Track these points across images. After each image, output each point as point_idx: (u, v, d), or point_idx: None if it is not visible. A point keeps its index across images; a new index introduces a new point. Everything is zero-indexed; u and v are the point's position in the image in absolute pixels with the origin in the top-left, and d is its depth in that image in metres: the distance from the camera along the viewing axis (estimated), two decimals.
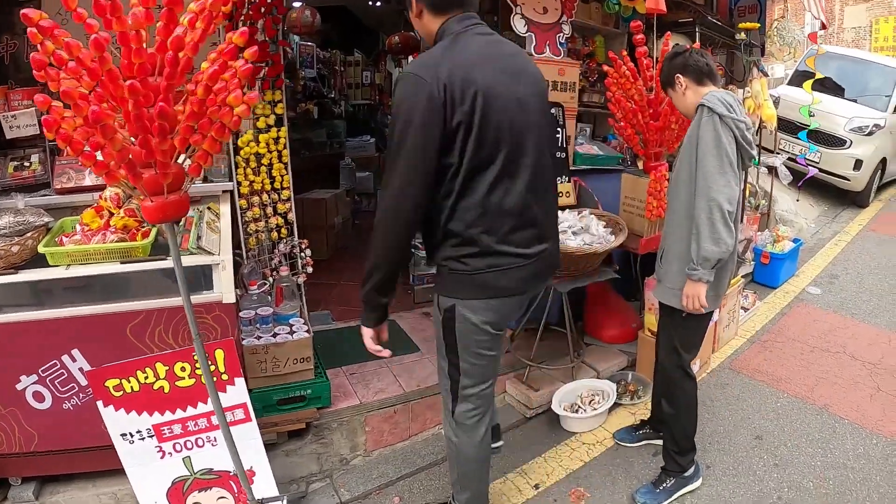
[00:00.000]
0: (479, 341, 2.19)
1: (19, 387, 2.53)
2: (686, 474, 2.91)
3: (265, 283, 3.48)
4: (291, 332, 3.27)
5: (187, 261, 2.44)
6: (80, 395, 2.59)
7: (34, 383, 2.54)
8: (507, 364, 3.86)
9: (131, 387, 2.29)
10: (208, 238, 2.70)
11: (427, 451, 3.37)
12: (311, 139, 7.42)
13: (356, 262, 5.44)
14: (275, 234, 3.79)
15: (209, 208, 3.03)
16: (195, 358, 2.22)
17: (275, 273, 3.61)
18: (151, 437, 2.40)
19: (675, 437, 2.88)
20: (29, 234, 2.52)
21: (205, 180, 3.17)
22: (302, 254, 3.84)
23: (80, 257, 2.49)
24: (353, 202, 7.19)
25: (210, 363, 2.29)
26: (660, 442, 3.07)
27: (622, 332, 4.17)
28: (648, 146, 3.61)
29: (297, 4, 6.45)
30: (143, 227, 2.65)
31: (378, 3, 7.51)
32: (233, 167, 3.48)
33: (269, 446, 2.93)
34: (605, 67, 3.67)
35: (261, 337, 3.19)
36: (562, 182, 3.71)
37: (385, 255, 2.03)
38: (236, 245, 3.44)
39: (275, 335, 3.22)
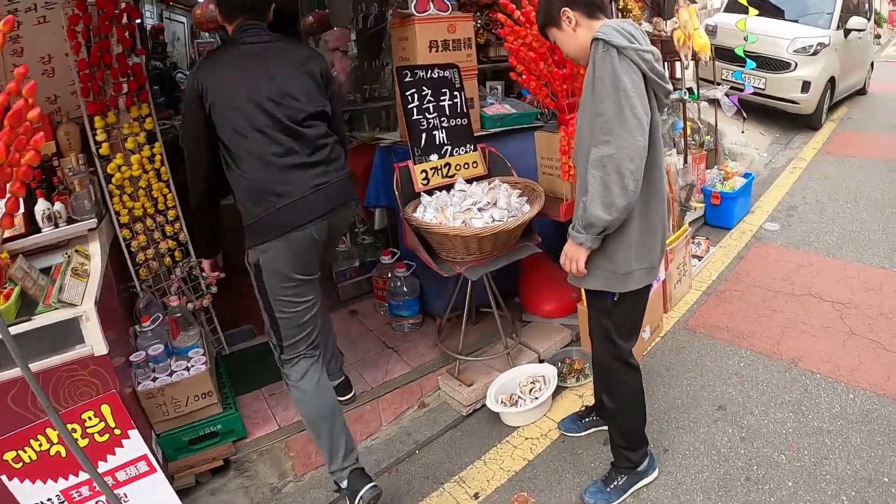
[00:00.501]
0: (283, 289, 2.49)
1: None
2: (639, 469, 2.57)
3: (159, 317, 3.16)
4: (189, 368, 2.99)
5: (49, 318, 2.35)
6: None
7: None
8: (438, 358, 3.63)
9: (29, 456, 2.29)
10: (72, 288, 2.46)
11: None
12: None
13: None
14: (168, 260, 3.42)
15: (77, 251, 2.73)
16: (84, 417, 2.32)
17: (179, 299, 3.34)
18: (63, 502, 2.38)
19: (623, 433, 2.53)
20: None
21: (69, 221, 2.78)
22: (203, 273, 3.49)
23: None
24: None
25: (99, 420, 2.37)
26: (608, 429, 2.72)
27: (562, 305, 3.81)
28: (559, 98, 3.23)
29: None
30: (5, 287, 2.41)
31: None
32: (106, 197, 3.19)
33: (192, 488, 2.91)
34: (498, 15, 3.29)
35: (157, 377, 2.94)
36: (466, 151, 3.32)
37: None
38: (129, 279, 3.31)
39: (171, 373, 2.96)
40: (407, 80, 3.18)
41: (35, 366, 2.33)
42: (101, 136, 3.17)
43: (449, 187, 3.22)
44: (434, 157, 3.23)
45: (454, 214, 2.86)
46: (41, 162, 2.99)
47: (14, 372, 2.32)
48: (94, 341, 2.42)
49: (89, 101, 3.13)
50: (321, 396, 2.59)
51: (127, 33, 3.21)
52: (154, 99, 5.56)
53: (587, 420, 2.98)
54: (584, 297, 2.58)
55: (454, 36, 3.53)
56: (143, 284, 3.37)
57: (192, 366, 3.00)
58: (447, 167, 3.27)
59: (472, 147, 3.34)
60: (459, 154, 3.30)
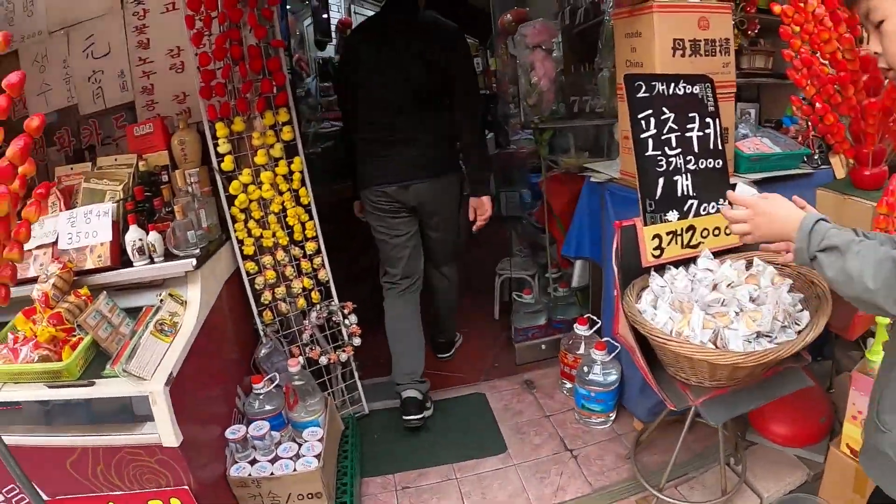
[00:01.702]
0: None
1: None
2: None
3: (275, 378, 2.55)
4: (297, 456, 2.41)
5: (109, 389, 1.97)
6: None
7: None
8: (629, 480, 2.62)
9: None
10: (148, 351, 2.01)
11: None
12: None
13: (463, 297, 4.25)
14: (302, 302, 2.71)
15: (171, 296, 2.25)
16: None
17: (309, 349, 2.85)
18: None
19: None
20: None
21: (167, 256, 2.29)
22: (346, 321, 2.96)
23: (8, 377, 2.04)
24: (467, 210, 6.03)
25: None
26: None
27: (802, 431, 2.55)
28: (864, 140, 2.05)
29: None
30: (74, 335, 2.07)
31: None
32: (227, 221, 2.65)
33: None
34: (776, 7, 2.17)
35: (256, 461, 2.40)
36: (717, 208, 2.20)
37: None
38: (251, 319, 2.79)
39: (275, 459, 2.40)
40: (640, 95, 2.12)
41: (98, 440, 2.01)
42: (223, 148, 2.53)
43: (688, 261, 2.16)
44: (673, 214, 2.15)
45: (702, 321, 1.78)
46: (143, 177, 2.41)
47: (70, 439, 2.03)
48: (163, 429, 1.95)
49: (210, 104, 2.46)
50: (389, 318, 3.15)
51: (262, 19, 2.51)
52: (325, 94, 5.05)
53: None
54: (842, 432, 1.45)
55: (707, 34, 2.41)
56: (266, 329, 2.79)
57: (303, 455, 2.41)
58: (690, 232, 2.18)
59: (725, 202, 2.21)
60: (709, 212, 2.20)
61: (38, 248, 2.35)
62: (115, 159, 2.64)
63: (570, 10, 3.45)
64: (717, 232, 2.20)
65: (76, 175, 2.67)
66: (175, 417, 1.94)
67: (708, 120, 2.22)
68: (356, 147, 3.02)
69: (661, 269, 2.16)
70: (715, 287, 1.94)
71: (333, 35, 6.04)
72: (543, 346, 3.50)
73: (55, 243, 2.33)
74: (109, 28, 2.88)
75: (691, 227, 2.17)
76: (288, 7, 4.49)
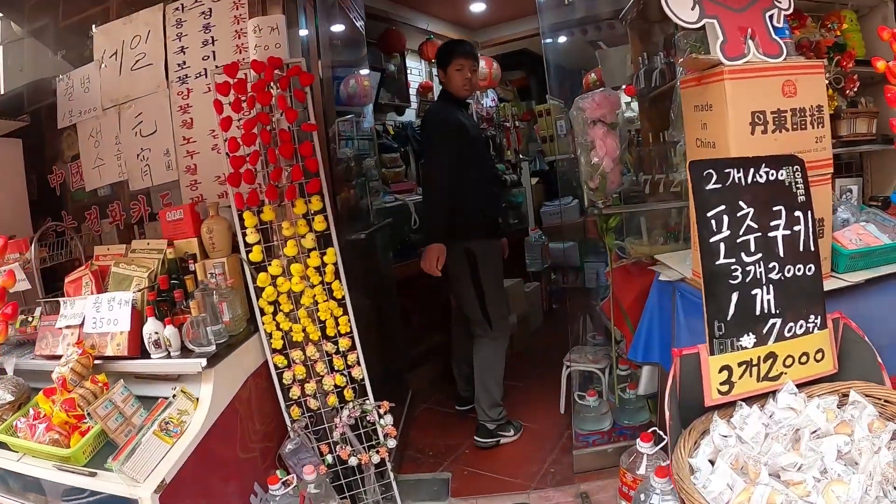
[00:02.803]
0: None
1: None
2: None
3: (292, 481, 2.30)
4: None
5: (103, 484, 1.96)
6: None
7: None
8: None
9: None
10: (147, 451, 1.97)
11: None
12: None
13: (529, 381, 4.07)
14: (333, 398, 2.47)
15: (183, 392, 2.20)
16: None
17: (339, 447, 2.62)
18: None
19: None
20: None
21: (183, 351, 2.23)
22: (381, 420, 2.70)
23: (25, 450, 2.12)
24: (548, 283, 5.79)
25: None
26: None
27: None
28: None
29: None
30: (85, 423, 2.09)
31: (563, 39, 5.97)
32: (256, 313, 2.49)
33: None
34: (880, 63, 1.79)
35: None
36: (807, 329, 1.77)
37: None
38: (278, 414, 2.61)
39: None
40: (711, 187, 1.76)
41: None
42: (251, 237, 2.36)
43: (765, 396, 1.75)
44: (749, 339, 1.72)
45: (768, 497, 1.37)
46: (170, 265, 2.30)
47: None
48: None
49: (238, 192, 2.31)
50: None
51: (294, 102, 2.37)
52: (391, 166, 4.93)
53: None
54: None
55: (794, 103, 1.98)
56: (294, 425, 2.61)
57: None
58: (770, 360, 1.73)
59: (818, 320, 1.78)
60: (795, 334, 1.75)
61: (67, 327, 2.37)
62: (148, 244, 2.59)
63: (646, 72, 3.08)
64: (804, 359, 1.76)
65: (112, 255, 2.65)
66: None
67: (797, 213, 1.81)
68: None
69: (731, 404, 1.76)
70: (797, 436, 1.54)
71: (413, 99, 5.97)
72: (607, 451, 3.08)
73: (82, 325, 2.34)
74: (156, 107, 2.89)
75: (771, 355, 1.74)
76: (365, 72, 4.41)
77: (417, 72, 6.18)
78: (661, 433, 2.57)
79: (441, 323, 4.36)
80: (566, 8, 3.63)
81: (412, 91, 5.96)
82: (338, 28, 3.69)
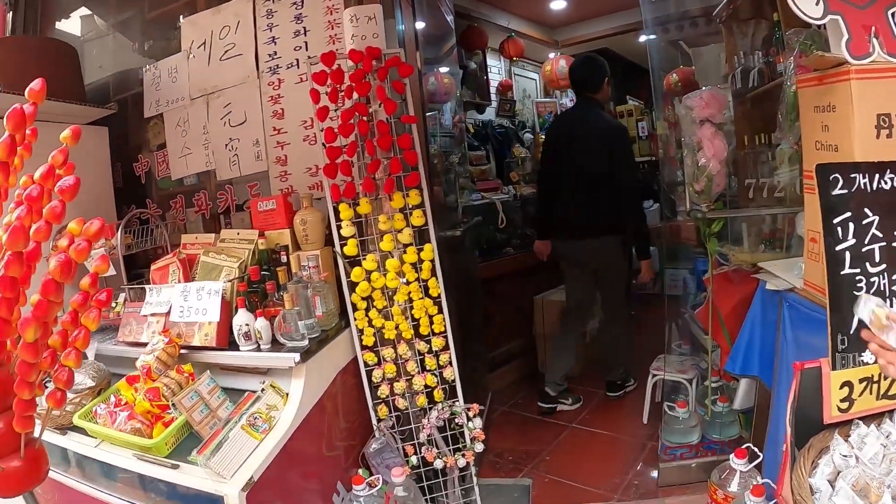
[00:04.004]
0: None
1: None
2: None
3: (377, 482, 2.24)
4: None
5: (186, 478, 1.89)
6: None
7: None
8: None
9: None
10: (235, 445, 1.92)
11: None
12: None
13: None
14: (423, 399, 2.41)
15: (273, 387, 2.15)
16: None
17: (425, 449, 2.55)
18: None
19: None
20: (77, 397, 2.20)
21: (273, 344, 2.19)
22: (469, 423, 2.60)
23: (104, 437, 2.09)
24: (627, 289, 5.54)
25: None
26: None
27: None
28: None
29: (551, 55, 6.11)
30: (169, 413, 2.06)
31: (645, 38, 5.84)
32: (348, 308, 2.44)
33: None
34: None
35: None
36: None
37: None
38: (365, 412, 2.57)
39: None
40: (837, 193, 1.63)
41: None
42: (347, 231, 2.31)
43: (880, 416, 1.63)
44: (870, 353, 1.61)
45: None
46: (262, 256, 2.26)
47: None
48: None
49: (334, 184, 2.26)
50: None
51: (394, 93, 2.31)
52: (476, 163, 4.86)
53: None
54: None
55: None
56: (380, 424, 2.57)
57: None
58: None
59: None
60: None
61: (153, 314, 2.37)
62: (238, 233, 2.56)
63: (742, 72, 2.92)
64: None
65: (201, 244, 2.63)
66: None
67: None
68: None
69: (846, 423, 1.64)
70: None
71: (493, 98, 5.90)
72: (693, 466, 2.94)
73: (168, 313, 2.33)
74: (246, 97, 2.87)
75: None
76: (447, 69, 4.35)
77: (497, 70, 6.11)
78: (756, 450, 2.45)
79: (522, 325, 4.36)
80: (650, 6, 3.48)
81: (492, 89, 5.88)
82: (432, 21, 3.63)
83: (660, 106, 3.84)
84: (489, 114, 5.89)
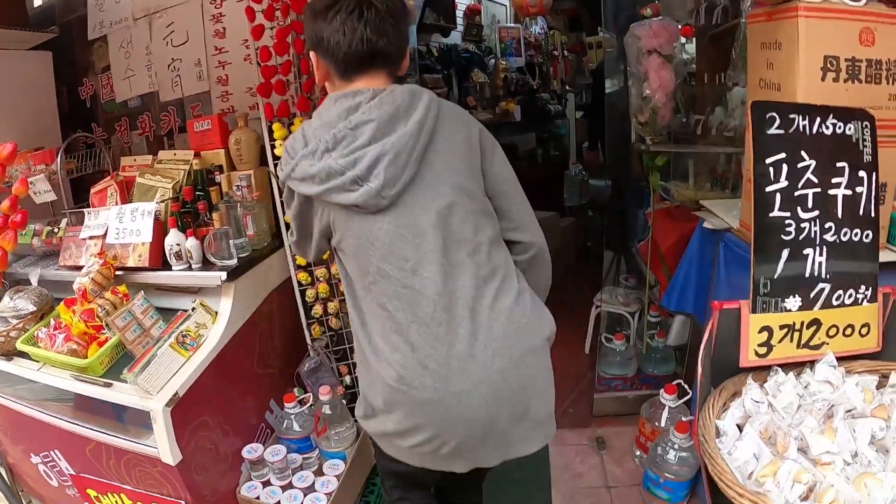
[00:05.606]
0: None
1: (33, 461, 2.36)
2: None
3: (308, 400, 2.40)
4: (310, 489, 2.27)
5: (117, 395, 1.97)
6: (75, 488, 2.32)
7: (40, 463, 2.35)
8: None
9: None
10: (162, 363, 1.98)
11: None
12: (517, 146, 5.86)
13: (557, 318, 3.93)
14: None
15: (202, 306, 2.19)
16: None
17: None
18: None
19: None
20: (20, 322, 2.26)
21: (204, 263, 2.21)
22: None
23: (44, 360, 2.17)
24: (585, 221, 5.60)
25: None
26: None
27: None
28: None
29: None
30: (103, 333, 2.12)
31: None
32: (282, 229, 2.43)
33: None
34: None
35: (270, 483, 2.30)
36: (856, 299, 1.64)
37: None
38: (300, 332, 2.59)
39: (289, 486, 2.29)
40: (772, 132, 1.61)
41: (109, 439, 2.02)
42: (281, 151, 2.28)
43: (801, 365, 1.65)
44: (794, 301, 1.62)
45: (795, 474, 1.29)
46: (196, 176, 2.27)
47: (87, 431, 2.06)
48: (161, 447, 1.92)
49: (268, 103, 2.25)
50: None
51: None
52: (433, 87, 4.78)
53: None
54: None
55: (870, 53, 1.76)
56: (314, 343, 2.61)
57: (316, 490, 2.26)
58: (813, 327, 1.63)
59: (869, 292, 1.66)
60: (843, 303, 1.64)
61: (90, 237, 2.37)
62: (175, 154, 2.55)
63: (707, 8, 2.83)
64: (849, 331, 1.65)
65: (139, 166, 2.61)
66: (175, 437, 1.91)
67: (861, 173, 1.66)
68: None
69: (765, 369, 1.67)
70: (830, 412, 1.45)
71: (459, 21, 5.77)
72: (629, 398, 3.03)
73: (105, 236, 2.33)
74: (188, 16, 2.80)
75: (815, 322, 1.63)
76: None
77: None
78: (687, 387, 2.52)
79: None
80: None
81: (459, 13, 5.75)
82: None
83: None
84: (455, 37, 5.76)
